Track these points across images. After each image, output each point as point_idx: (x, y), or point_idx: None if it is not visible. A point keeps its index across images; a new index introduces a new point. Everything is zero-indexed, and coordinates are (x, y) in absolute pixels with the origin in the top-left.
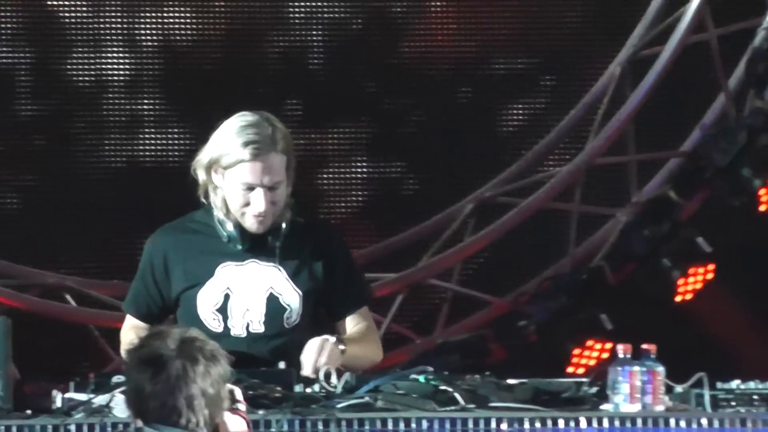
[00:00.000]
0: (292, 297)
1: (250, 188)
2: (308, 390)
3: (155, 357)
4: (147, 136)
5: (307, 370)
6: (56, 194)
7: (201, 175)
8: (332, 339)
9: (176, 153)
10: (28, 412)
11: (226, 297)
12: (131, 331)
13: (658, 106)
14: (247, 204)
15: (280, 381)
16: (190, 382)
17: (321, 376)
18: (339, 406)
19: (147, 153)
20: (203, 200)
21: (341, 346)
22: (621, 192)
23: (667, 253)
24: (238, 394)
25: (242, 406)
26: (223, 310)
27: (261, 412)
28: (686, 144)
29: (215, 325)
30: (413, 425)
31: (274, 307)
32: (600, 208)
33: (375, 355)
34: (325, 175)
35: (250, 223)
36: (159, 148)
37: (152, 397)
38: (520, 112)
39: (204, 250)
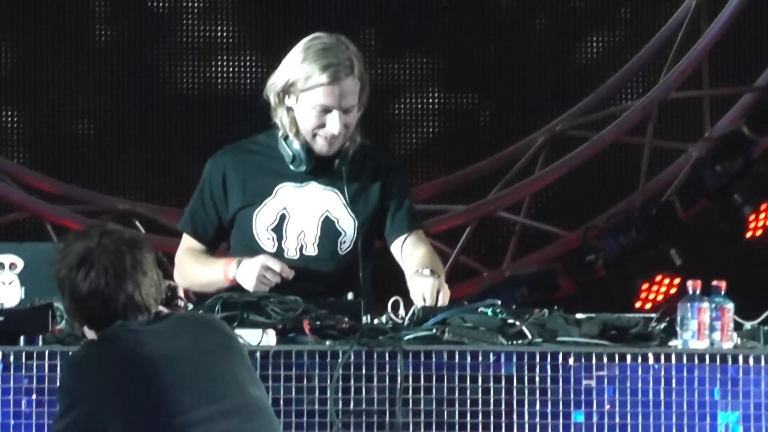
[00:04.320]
0: (347, 222)
1: (326, 110)
2: (376, 321)
3: (82, 257)
4: (221, 62)
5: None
6: (129, 120)
7: (272, 98)
8: (432, 276)
9: (249, 80)
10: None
11: (282, 218)
12: (186, 253)
13: (733, 42)
14: (320, 126)
15: (348, 312)
16: (121, 273)
17: (389, 307)
18: (406, 338)
19: (221, 79)
20: (276, 122)
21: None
22: (694, 127)
23: (739, 189)
24: (180, 291)
25: (181, 303)
26: (278, 230)
27: (328, 342)
28: (761, 79)
29: (269, 245)
30: (480, 358)
31: (328, 231)
32: (672, 142)
33: (443, 268)
34: (398, 105)
35: (321, 145)
36: (233, 74)
37: (90, 297)
38: (597, 44)
39: (264, 170)
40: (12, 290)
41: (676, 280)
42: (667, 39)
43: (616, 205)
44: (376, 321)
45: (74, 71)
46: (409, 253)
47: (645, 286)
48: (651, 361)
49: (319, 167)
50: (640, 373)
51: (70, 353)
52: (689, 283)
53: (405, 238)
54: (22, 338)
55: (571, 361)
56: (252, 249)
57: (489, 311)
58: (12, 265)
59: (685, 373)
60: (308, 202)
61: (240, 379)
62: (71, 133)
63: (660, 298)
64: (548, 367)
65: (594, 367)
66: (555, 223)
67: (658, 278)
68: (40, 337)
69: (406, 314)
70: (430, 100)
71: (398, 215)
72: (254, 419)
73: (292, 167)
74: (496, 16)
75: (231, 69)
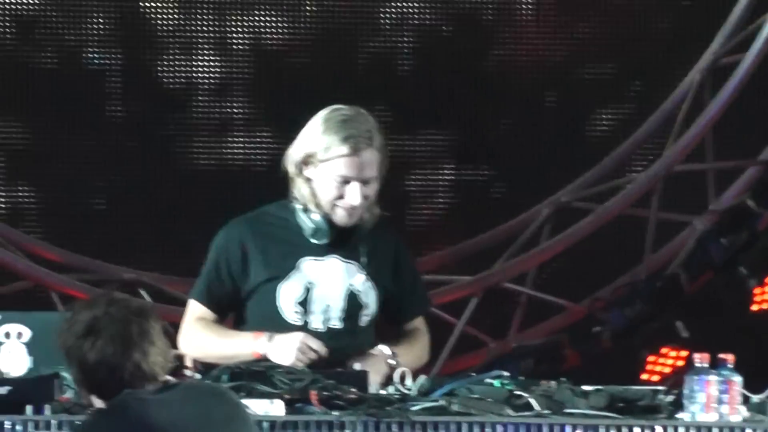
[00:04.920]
0: (370, 295)
1: (346, 181)
2: (383, 392)
3: (89, 326)
4: (235, 139)
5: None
6: (142, 195)
7: (291, 168)
8: (388, 353)
9: (263, 156)
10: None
11: (307, 291)
12: (200, 323)
13: (737, 115)
14: (340, 197)
15: (355, 382)
16: (129, 342)
17: (396, 378)
18: (414, 408)
19: (235, 155)
20: (294, 194)
21: (392, 362)
22: (698, 200)
23: (744, 262)
24: (188, 360)
25: (189, 374)
26: (304, 303)
27: (336, 413)
28: (765, 153)
29: (295, 318)
30: (488, 430)
31: (353, 303)
32: (677, 215)
33: (421, 360)
34: (410, 179)
35: (341, 216)
36: (247, 151)
37: (98, 367)
38: (606, 118)
39: (285, 243)
40: (19, 359)
41: (683, 353)
42: (670, 112)
43: (621, 276)
44: (383, 392)
45: (87, 148)
46: (408, 336)
47: (651, 358)
48: None
49: (339, 239)
50: None
51: (78, 422)
52: (696, 356)
53: (414, 321)
54: (29, 408)
55: None
56: (275, 322)
57: (496, 382)
58: (19, 335)
59: None
60: (332, 275)
61: None
62: (84, 207)
63: (667, 370)
64: None
65: None
66: (561, 294)
67: (665, 350)
68: (47, 406)
69: (413, 385)
70: (442, 174)
71: (411, 297)
72: None
73: (312, 240)
74: (507, 90)
75: (244, 145)
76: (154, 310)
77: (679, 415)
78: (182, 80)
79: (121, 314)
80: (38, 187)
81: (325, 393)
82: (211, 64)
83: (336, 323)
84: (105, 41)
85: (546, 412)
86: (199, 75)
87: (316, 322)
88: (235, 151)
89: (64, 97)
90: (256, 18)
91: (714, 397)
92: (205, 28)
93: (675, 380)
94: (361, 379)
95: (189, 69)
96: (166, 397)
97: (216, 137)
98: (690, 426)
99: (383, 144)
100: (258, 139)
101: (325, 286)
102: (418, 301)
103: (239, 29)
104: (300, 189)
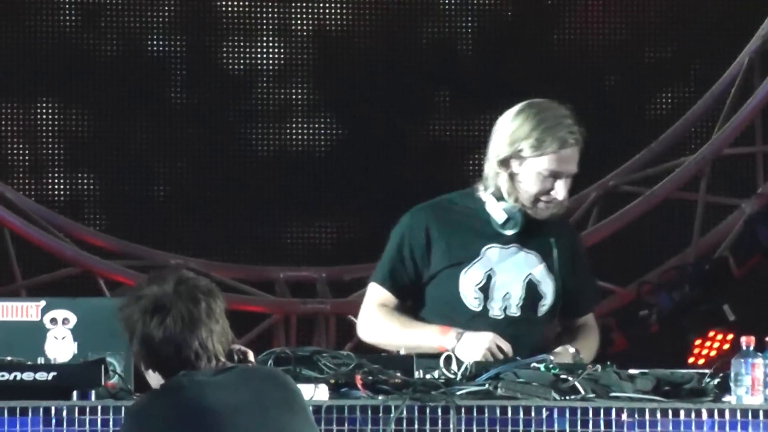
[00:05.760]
0: (548, 286)
1: (554, 176)
2: (428, 376)
3: (157, 303)
4: (296, 124)
5: None
6: (199, 182)
7: (495, 163)
8: (572, 351)
9: (324, 142)
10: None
11: (489, 278)
12: (383, 309)
13: None
14: (544, 191)
15: (400, 367)
16: (196, 320)
17: (441, 362)
18: (459, 393)
19: (295, 140)
20: (488, 185)
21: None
22: (747, 183)
23: None
24: (250, 356)
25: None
26: (485, 289)
27: (381, 397)
28: None
29: (475, 304)
30: (533, 413)
31: (532, 293)
32: (725, 198)
33: (594, 355)
34: (472, 162)
35: (542, 209)
36: (308, 136)
37: (164, 344)
38: (668, 99)
39: (469, 231)
40: (65, 345)
41: (729, 336)
42: (720, 95)
43: (669, 260)
44: (428, 376)
45: (151, 134)
46: (582, 332)
47: (698, 341)
48: (705, 416)
49: (524, 231)
50: (693, 428)
51: (131, 405)
52: (743, 339)
53: (586, 318)
54: (75, 393)
55: (624, 416)
56: (455, 307)
57: (542, 367)
58: (65, 321)
59: (739, 429)
60: (514, 264)
61: None
62: (142, 195)
63: (713, 353)
64: (601, 422)
65: (647, 423)
66: (608, 278)
67: (711, 334)
68: (93, 392)
69: (459, 369)
70: None
71: (586, 294)
72: None
73: (500, 229)
74: (570, 73)
75: (306, 130)
76: (218, 289)
77: (725, 398)
78: (245, 66)
79: (189, 292)
80: (98, 175)
81: (370, 377)
82: (273, 49)
83: (514, 311)
84: (168, 29)
85: (591, 395)
86: (262, 61)
87: (496, 309)
88: (296, 136)
89: (127, 84)
90: (319, 3)
91: (760, 380)
92: (268, 14)
93: (721, 363)
94: (406, 363)
95: (252, 55)
96: (222, 380)
97: (278, 123)
98: (736, 408)
99: (583, 138)
100: (318, 125)
101: (507, 275)
102: (592, 297)
103: (302, 15)
104: (501, 182)
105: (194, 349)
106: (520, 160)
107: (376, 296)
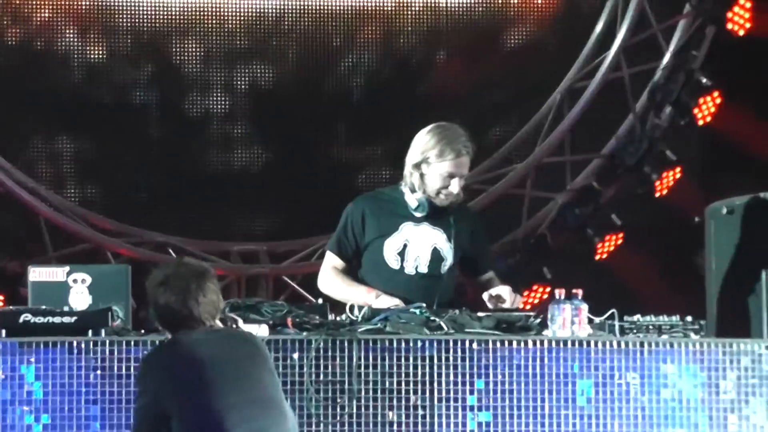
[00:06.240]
0: (448, 252)
1: (451, 176)
2: (338, 318)
3: (162, 279)
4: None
5: (509, 304)
6: (176, 187)
7: (409, 166)
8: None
9: (257, 162)
10: (142, 331)
11: (404, 246)
12: (333, 270)
13: (587, 121)
14: (444, 187)
15: (318, 311)
16: (188, 292)
17: (347, 309)
18: (360, 330)
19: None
20: (407, 182)
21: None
22: (559, 182)
23: (591, 226)
24: (240, 323)
25: (236, 325)
26: (401, 254)
27: (305, 333)
28: (606, 148)
29: (394, 264)
30: (411, 344)
31: (436, 256)
32: (544, 193)
33: None
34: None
35: (442, 200)
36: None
37: (165, 309)
38: (500, 127)
39: (392, 213)
40: (83, 298)
41: (548, 289)
42: (539, 120)
43: (505, 236)
44: (337, 318)
45: (137, 156)
46: (492, 282)
47: (525, 293)
48: (530, 345)
49: (431, 214)
50: (522, 354)
51: (146, 353)
52: (556, 291)
53: (490, 274)
54: (90, 331)
55: (474, 345)
56: (381, 267)
57: (417, 311)
58: (83, 281)
59: (554, 354)
60: (423, 236)
61: (263, 380)
62: (136, 195)
63: (536, 301)
64: (459, 350)
65: (491, 350)
66: None
67: (535, 287)
68: (103, 330)
69: (359, 315)
70: None
71: (486, 257)
72: (270, 409)
73: (414, 213)
74: (430, 113)
75: (245, 154)
76: (212, 272)
77: (545, 332)
78: (201, 112)
79: (185, 273)
80: (102, 182)
81: (297, 319)
82: (221, 99)
83: (423, 269)
84: (147, 85)
85: (452, 331)
86: (213, 107)
87: (409, 268)
88: (238, 158)
89: (119, 122)
90: (252, 66)
91: (568, 320)
92: (217, 74)
93: (541, 308)
94: (323, 309)
95: (205, 103)
96: (209, 338)
97: (224, 150)
98: (552, 339)
99: (473, 150)
100: (255, 152)
101: (417, 244)
102: (489, 259)
103: (241, 75)
104: (414, 180)
105: (185, 314)
106: (428, 164)
107: (330, 261)
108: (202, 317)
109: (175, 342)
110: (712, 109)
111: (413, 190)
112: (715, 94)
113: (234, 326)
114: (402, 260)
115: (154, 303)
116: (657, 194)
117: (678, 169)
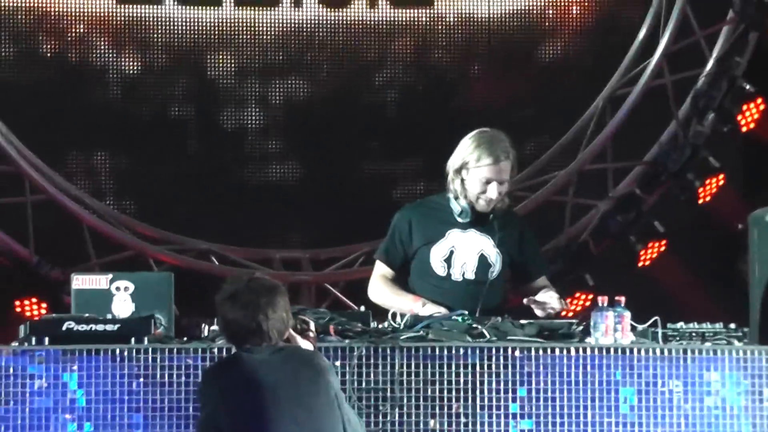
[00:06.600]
0: (496, 258)
1: (488, 182)
2: (380, 326)
3: (231, 294)
4: (273, 164)
5: (554, 306)
6: (214, 198)
7: (451, 172)
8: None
9: (292, 177)
10: (185, 338)
11: (451, 252)
12: (382, 278)
13: (629, 128)
14: (483, 192)
15: (360, 319)
16: (256, 309)
17: (389, 316)
18: (402, 337)
19: (273, 176)
20: (450, 188)
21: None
22: (601, 189)
23: (634, 233)
24: (311, 325)
25: (312, 334)
26: (448, 260)
27: (347, 341)
28: (648, 155)
29: (441, 271)
30: (453, 351)
31: (483, 263)
32: (586, 200)
33: None
34: (395, 191)
35: (482, 205)
36: (281, 173)
37: (233, 323)
38: (539, 140)
39: (438, 220)
40: (126, 306)
41: (590, 296)
42: (581, 128)
43: (548, 243)
44: (380, 326)
45: (175, 170)
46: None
47: (568, 300)
48: (573, 352)
49: (477, 220)
50: (565, 361)
51: (208, 366)
52: (599, 298)
53: (543, 280)
54: (133, 339)
55: (516, 353)
56: (428, 274)
57: (460, 319)
58: (126, 288)
59: (596, 361)
60: (469, 242)
61: (321, 412)
62: (176, 204)
63: (579, 309)
64: (501, 357)
65: (533, 357)
66: None
67: (577, 295)
68: (145, 338)
69: (401, 322)
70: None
71: (536, 261)
72: None
73: (459, 219)
74: (465, 127)
75: (280, 168)
76: (282, 289)
77: (587, 340)
78: (236, 125)
79: (255, 288)
80: (138, 195)
81: (339, 327)
82: (257, 113)
83: (470, 276)
84: (184, 99)
85: (494, 339)
86: (249, 121)
87: (456, 274)
88: (273, 173)
89: (156, 137)
90: (287, 81)
91: (610, 327)
92: (252, 89)
93: (584, 316)
94: (365, 317)
95: (241, 118)
96: (272, 359)
97: (259, 165)
98: (595, 346)
99: (515, 157)
100: (291, 166)
101: (464, 250)
102: (540, 265)
103: (275, 89)
104: (456, 186)
105: (252, 330)
106: (467, 170)
107: (378, 269)
108: (269, 333)
109: (237, 360)
110: (756, 116)
111: (456, 197)
112: (759, 100)
113: (305, 327)
114: (449, 267)
115: (222, 317)
116: (700, 201)
117: (721, 176)
